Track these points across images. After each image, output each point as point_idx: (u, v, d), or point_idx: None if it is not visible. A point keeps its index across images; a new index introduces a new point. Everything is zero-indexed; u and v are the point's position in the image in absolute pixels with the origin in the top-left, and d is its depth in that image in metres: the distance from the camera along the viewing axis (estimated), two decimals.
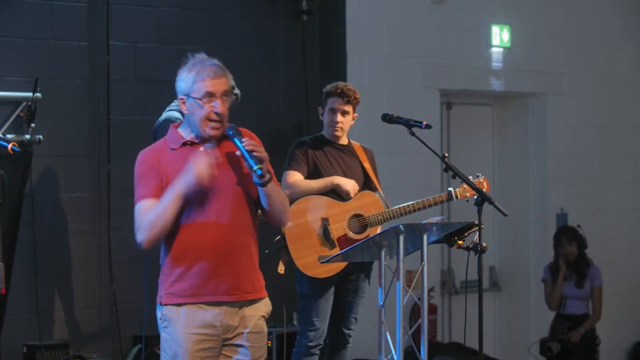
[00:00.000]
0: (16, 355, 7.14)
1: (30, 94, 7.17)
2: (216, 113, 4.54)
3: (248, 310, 4.61)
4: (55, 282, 7.50)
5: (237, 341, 4.60)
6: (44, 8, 7.44)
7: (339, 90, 6.36)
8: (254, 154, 4.49)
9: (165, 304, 4.55)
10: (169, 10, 8.00)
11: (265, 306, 4.70)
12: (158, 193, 4.50)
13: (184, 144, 4.59)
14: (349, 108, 6.39)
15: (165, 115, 6.53)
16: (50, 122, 7.39)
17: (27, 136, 7.14)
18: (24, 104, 7.21)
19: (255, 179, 4.54)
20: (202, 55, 4.61)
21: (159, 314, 4.61)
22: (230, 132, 4.59)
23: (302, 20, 8.68)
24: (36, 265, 7.30)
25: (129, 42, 7.81)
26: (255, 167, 4.47)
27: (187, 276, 4.52)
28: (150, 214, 4.46)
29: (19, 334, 7.22)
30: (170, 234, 4.52)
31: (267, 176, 4.53)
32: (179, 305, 4.52)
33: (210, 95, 4.53)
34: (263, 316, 4.69)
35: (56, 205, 7.50)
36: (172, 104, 6.61)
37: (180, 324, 4.52)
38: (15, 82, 7.28)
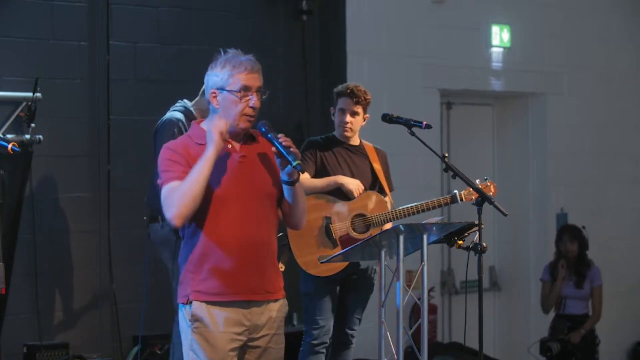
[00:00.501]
0: (16, 355, 7.15)
1: (30, 94, 7.17)
2: (252, 107, 4.53)
3: (273, 311, 4.60)
4: (55, 282, 7.50)
5: (262, 343, 4.58)
6: (44, 8, 7.44)
7: (348, 91, 6.36)
8: (292, 150, 4.50)
9: (195, 300, 4.47)
10: (169, 10, 8.01)
11: (284, 307, 4.68)
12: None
13: None
14: (358, 109, 6.38)
15: (166, 115, 6.53)
16: (50, 122, 7.39)
17: (27, 136, 7.14)
18: (24, 104, 7.21)
19: (285, 177, 4.57)
20: (235, 51, 4.60)
21: (185, 315, 4.52)
22: (264, 129, 4.58)
23: (302, 20, 8.68)
24: (36, 265, 7.30)
25: (129, 42, 7.82)
26: (294, 163, 4.48)
27: (214, 274, 4.47)
28: (179, 189, 4.40)
29: (19, 334, 7.22)
30: (198, 232, 4.49)
31: (297, 175, 4.56)
32: (209, 303, 4.47)
33: (246, 89, 4.52)
34: (283, 317, 4.68)
35: (56, 205, 7.50)
36: (177, 104, 6.62)
37: (211, 323, 4.47)
38: (15, 82, 7.29)
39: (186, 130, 6.26)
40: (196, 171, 4.40)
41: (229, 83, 4.52)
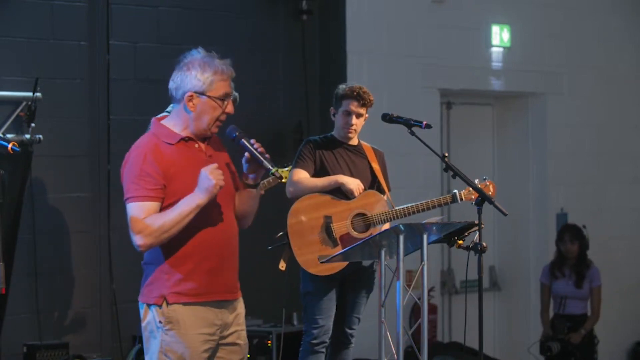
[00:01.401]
0: (16, 355, 7.14)
1: (30, 94, 7.17)
2: (226, 114, 4.56)
3: (238, 308, 4.65)
4: (55, 282, 7.50)
5: (232, 340, 4.62)
6: (44, 8, 7.44)
7: (355, 93, 6.34)
8: (267, 156, 4.53)
9: (173, 303, 4.45)
10: (169, 10, 8.01)
11: (243, 303, 4.73)
12: (158, 195, 4.42)
13: (181, 140, 4.54)
14: (363, 110, 6.38)
15: (159, 116, 6.56)
16: (50, 122, 7.39)
17: (27, 136, 7.14)
18: (24, 103, 7.21)
19: (248, 182, 4.62)
20: (207, 52, 4.58)
21: (157, 316, 4.48)
22: (235, 134, 4.58)
23: (302, 20, 8.68)
24: (36, 265, 7.30)
25: (129, 42, 7.82)
26: (272, 170, 4.51)
27: (195, 275, 4.47)
28: (158, 221, 4.39)
29: (19, 334, 7.22)
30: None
31: (260, 179, 4.64)
32: (185, 304, 4.46)
33: (227, 96, 4.54)
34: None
35: (56, 205, 7.50)
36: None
37: (187, 325, 4.46)
38: (15, 82, 7.28)
39: None
40: (181, 214, 4.38)
41: (212, 89, 4.51)
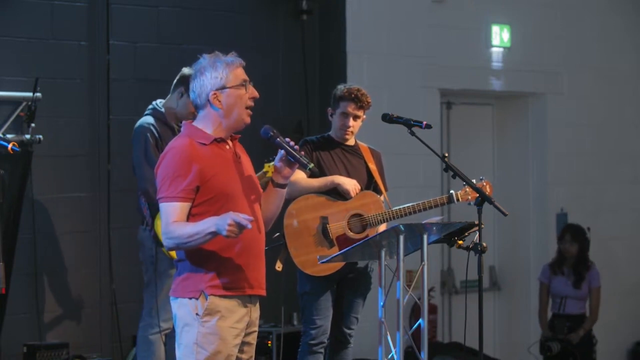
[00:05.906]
0: (16, 355, 7.15)
1: (30, 94, 7.17)
2: (252, 99, 4.64)
3: (258, 310, 4.72)
4: (55, 282, 7.50)
5: (249, 339, 4.69)
6: (44, 8, 7.44)
7: (353, 95, 6.35)
8: (302, 153, 4.66)
9: (211, 294, 4.51)
10: (169, 10, 8.01)
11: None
12: (188, 195, 4.50)
13: (214, 140, 4.61)
14: (361, 112, 6.39)
15: (139, 122, 6.60)
16: (50, 122, 7.39)
17: (27, 136, 7.14)
18: (24, 104, 7.21)
19: (279, 181, 4.71)
20: (213, 54, 4.64)
21: (193, 309, 4.54)
22: (270, 134, 4.67)
23: (302, 20, 8.68)
24: (36, 265, 7.30)
25: (129, 42, 7.82)
26: (310, 166, 4.65)
27: (230, 270, 4.54)
28: (179, 231, 4.46)
29: (19, 334, 7.22)
30: None
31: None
32: (222, 297, 4.53)
33: (245, 82, 4.62)
34: None
35: (56, 205, 7.50)
36: (149, 106, 6.67)
37: (224, 317, 4.53)
38: (15, 82, 7.29)
39: (158, 133, 6.38)
40: (198, 233, 4.44)
41: (230, 80, 4.59)
